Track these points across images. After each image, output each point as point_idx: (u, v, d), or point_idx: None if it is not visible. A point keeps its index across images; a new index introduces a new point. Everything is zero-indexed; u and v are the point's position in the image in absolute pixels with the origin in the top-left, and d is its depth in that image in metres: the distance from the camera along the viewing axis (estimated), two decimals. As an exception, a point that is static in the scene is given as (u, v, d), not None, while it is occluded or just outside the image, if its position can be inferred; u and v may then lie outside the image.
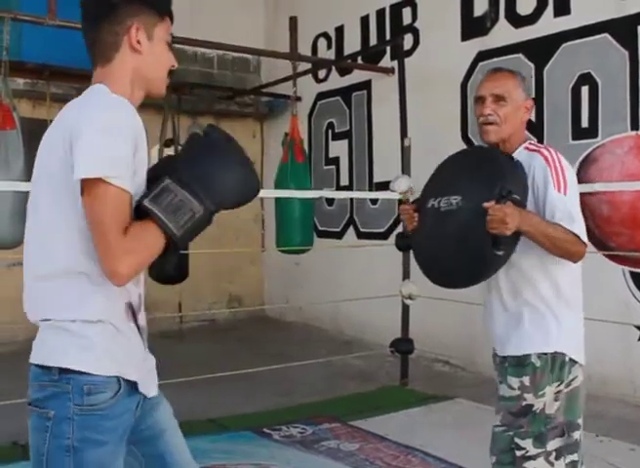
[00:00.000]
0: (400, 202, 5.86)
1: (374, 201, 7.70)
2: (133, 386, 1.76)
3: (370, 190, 7.77)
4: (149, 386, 1.84)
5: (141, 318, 1.82)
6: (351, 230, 8.13)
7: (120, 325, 1.73)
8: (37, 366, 1.73)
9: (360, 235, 7.97)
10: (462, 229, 2.46)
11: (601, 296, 5.08)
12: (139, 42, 1.80)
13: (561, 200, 2.37)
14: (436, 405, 5.20)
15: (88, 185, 1.60)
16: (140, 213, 1.65)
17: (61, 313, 1.69)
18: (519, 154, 2.53)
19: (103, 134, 1.61)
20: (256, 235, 9.21)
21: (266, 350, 7.18)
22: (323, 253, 7.50)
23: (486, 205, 2.24)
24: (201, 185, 1.67)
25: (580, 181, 5.32)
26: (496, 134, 2.52)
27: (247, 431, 4.49)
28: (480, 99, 2.56)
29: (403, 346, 5.74)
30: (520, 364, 2.45)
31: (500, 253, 2.33)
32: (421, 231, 2.68)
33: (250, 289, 9.41)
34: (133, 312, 1.77)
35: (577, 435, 2.50)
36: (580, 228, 2.35)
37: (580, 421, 2.53)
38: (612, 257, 5.28)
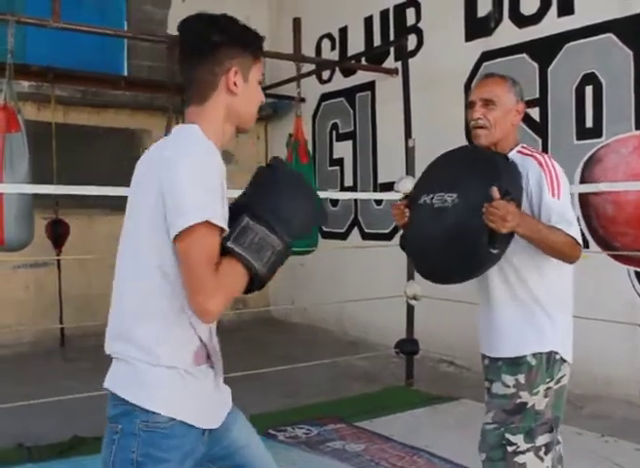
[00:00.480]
0: (404, 203, 5.86)
1: (378, 202, 7.70)
2: None
3: (374, 191, 7.77)
4: (215, 419, 1.91)
5: (214, 354, 1.89)
6: (356, 231, 8.13)
7: (189, 368, 1.80)
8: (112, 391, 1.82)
9: (365, 236, 7.97)
10: (457, 225, 2.47)
11: (606, 297, 5.08)
12: (235, 84, 1.86)
13: (556, 204, 2.40)
14: (441, 405, 5.20)
15: (185, 230, 1.66)
16: (223, 249, 1.71)
17: (134, 352, 1.77)
18: (512, 157, 2.55)
19: (195, 183, 1.68)
20: (260, 236, 9.20)
21: (271, 351, 7.18)
22: (328, 254, 7.50)
23: (494, 194, 2.23)
24: (276, 220, 1.73)
25: (584, 181, 5.38)
26: (486, 137, 2.57)
27: (252, 432, 4.48)
28: (471, 104, 2.62)
29: (408, 347, 5.73)
30: (515, 363, 2.49)
31: (495, 251, 2.34)
32: (413, 227, 2.71)
33: (255, 290, 9.39)
34: (207, 354, 1.85)
35: (558, 430, 2.56)
36: (576, 232, 2.38)
37: (562, 417, 2.58)
38: (617, 257, 5.28)
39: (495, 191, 2.23)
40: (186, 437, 1.79)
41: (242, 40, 1.89)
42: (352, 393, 5.59)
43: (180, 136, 1.83)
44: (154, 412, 1.74)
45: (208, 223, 1.66)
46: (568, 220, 2.38)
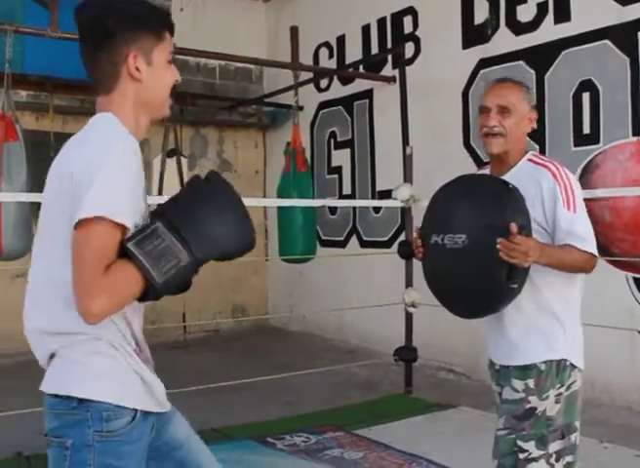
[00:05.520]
0: (403, 210, 5.87)
1: (376, 209, 7.70)
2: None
3: (372, 199, 7.78)
4: (162, 404, 1.84)
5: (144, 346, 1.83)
6: (354, 239, 8.13)
7: (124, 348, 1.73)
8: (52, 395, 1.71)
9: (363, 244, 7.97)
10: (473, 266, 2.46)
11: (605, 303, 5.07)
12: (137, 69, 1.75)
13: (572, 219, 2.40)
14: (440, 413, 5.18)
15: (82, 222, 1.57)
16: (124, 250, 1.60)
17: (63, 339, 1.70)
18: (522, 166, 2.53)
19: (103, 174, 1.58)
20: (259, 244, 9.18)
21: (270, 360, 7.17)
22: (326, 263, 7.49)
23: (513, 230, 2.23)
24: (192, 232, 1.62)
25: (582, 188, 5.37)
26: (500, 146, 2.53)
27: (251, 440, 4.48)
28: (485, 110, 2.56)
29: (407, 354, 5.73)
30: (525, 367, 2.48)
31: (515, 285, 2.36)
32: (431, 269, 2.69)
33: (254, 298, 9.41)
34: (137, 344, 1.78)
35: (574, 437, 2.54)
36: (591, 246, 2.40)
37: (577, 424, 2.56)
38: (615, 264, 5.27)
39: (513, 227, 2.23)
40: (141, 440, 1.74)
41: (138, 21, 1.75)
42: (351, 401, 5.58)
43: (95, 126, 1.74)
44: (111, 410, 1.67)
45: (105, 219, 1.56)
46: (582, 236, 2.39)
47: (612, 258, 5.25)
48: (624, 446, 4.33)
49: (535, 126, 2.62)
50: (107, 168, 1.60)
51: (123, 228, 1.60)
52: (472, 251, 2.45)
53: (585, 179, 5.45)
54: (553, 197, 2.41)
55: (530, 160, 2.55)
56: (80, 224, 1.57)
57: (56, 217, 1.67)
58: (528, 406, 2.45)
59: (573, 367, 2.49)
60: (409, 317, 5.77)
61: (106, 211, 1.56)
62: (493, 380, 2.67)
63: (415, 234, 2.73)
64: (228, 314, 9.07)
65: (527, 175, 2.48)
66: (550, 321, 2.49)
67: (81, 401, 1.66)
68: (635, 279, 5.23)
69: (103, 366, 1.69)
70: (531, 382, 2.45)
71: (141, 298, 1.64)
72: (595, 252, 2.41)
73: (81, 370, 1.68)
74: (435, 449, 4.28)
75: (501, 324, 2.55)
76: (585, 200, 5.29)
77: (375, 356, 6.89)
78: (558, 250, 2.37)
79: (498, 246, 2.25)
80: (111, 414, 1.67)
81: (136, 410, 1.72)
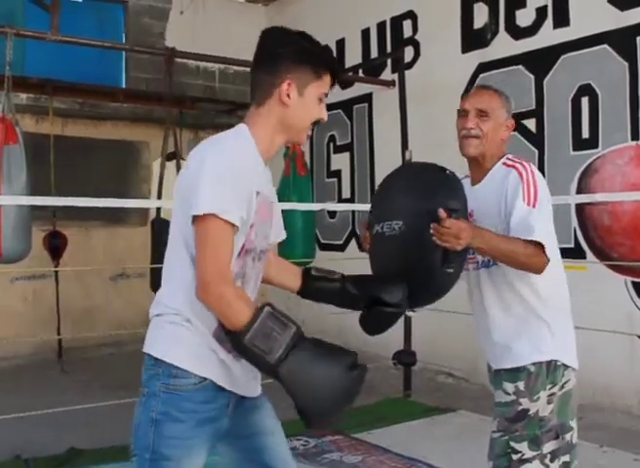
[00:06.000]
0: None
1: (376, 213, 7.68)
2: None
3: (372, 202, 7.76)
4: (243, 388, 2.03)
5: None
6: (353, 243, 8.12)
7: (212, 337, 1.92)
8: (145, 353, 1.98)
9: (362, 247, 7.95)
10: (409, 253, 2.44)
11: (604, 307, 5.08)
12: (288, 96, 1.95)
13: (525, 211, 2.37)
14: (439, 416, 5.19)
15: (199, 218, 1.81)
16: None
17: (162, 309, 1.95)
18: (497, 170, 2.55)
19: (213, 177, 1.81)
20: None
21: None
22: (326, 266, 7.46)
23: (441, 215, 2.22)
24: (296, 361, 1.82)
25: (580, 192, 5.40)
26: (476, 148, 2.55)
27: (250, 444, 4.47)
28: (463, 113, 2.60)
29: (406, 358, 5.73)
30: (515, 370, 2.49)
31: (451, 270, 2.33)
32: (373, 259, 2.69)
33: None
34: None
35: (569, 436, 2.55)
36: (540, 238, 2.33)
37: (572, 423, 2.57)
38: (614, 268, 5.28)
39: (442, 212, 2.22)
40: (208, 404, 1.93)
41: (304, 56, 1.96)
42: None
43: (229, 132, 1.96)
44: (179, 370, 1.88)
45: (217, 216, 1.78)
46: (530, 228, 2.34)
47: (611, 263, 5.26)
48: (623, 450, 4.34)
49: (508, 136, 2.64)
50: (219, 170, 1.82)
51: (231, 224, 1.81)
52: (408, 237, 2.42)
53: (584, 184, 5.47)
54: (515, 193, 2.41)
55: (504, 163, 2.57)
56: (196, 219, 1.81)
57: (180, 207, 1.91)
58: (520, 408, 2.46)
59: (565, 366, 2.50)
60: (408, 321, 5.78)
61: (217, 209, 1.79)
62: (491, 384, 2.69)
63: (362, 226, 2.73)
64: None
65: (500, 179, 2.50)
66: (537, 324, 2.49)
67: (157, 359, 1.92)
68: (634, 283, 5.23)
69: (176, 334, 1.92)
70: (521, 385, 2.46)
71: (226, 332, 1.84)
72: (545, 246, 2.33)
73: (161, 335, 1.95)
74: (434, 453, 4.29)
75: (491, 328, 2.57)
76: (585, 204, 5.31)
77: (374, 359, 6.87)
78: (497, 236, 2.34)
79: (431, 231, 2.24)
80: (178, 373, 1.90)
81: (204, 378, 1.91)
